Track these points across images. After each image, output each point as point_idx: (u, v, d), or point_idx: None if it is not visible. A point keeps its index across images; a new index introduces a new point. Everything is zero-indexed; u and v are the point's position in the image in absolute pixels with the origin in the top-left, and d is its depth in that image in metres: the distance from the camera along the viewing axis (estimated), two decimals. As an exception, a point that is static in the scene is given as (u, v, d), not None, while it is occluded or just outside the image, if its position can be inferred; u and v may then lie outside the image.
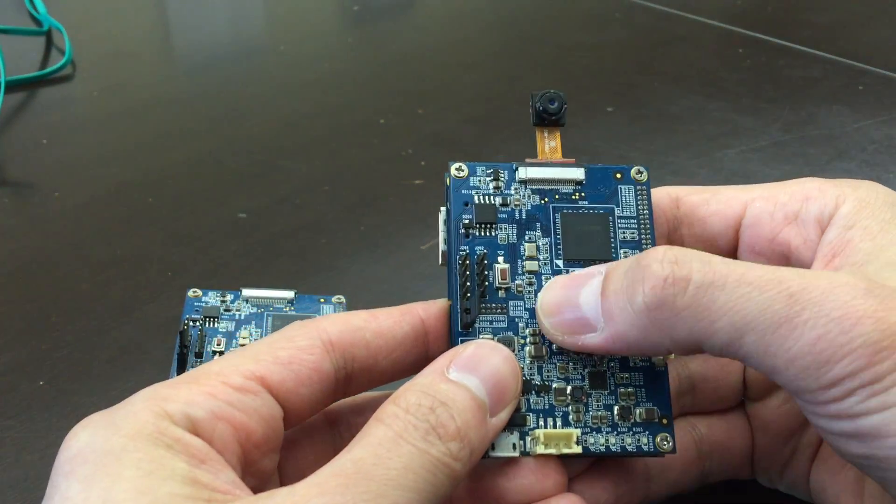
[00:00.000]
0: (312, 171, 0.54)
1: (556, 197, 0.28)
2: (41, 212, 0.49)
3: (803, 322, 0.22)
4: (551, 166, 0.28)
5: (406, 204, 0.50)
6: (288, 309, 0.38)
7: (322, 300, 0.39)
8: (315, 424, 0.27)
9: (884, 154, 0.53)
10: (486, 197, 0.28)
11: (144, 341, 0.39)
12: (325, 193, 0.51)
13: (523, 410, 0.26)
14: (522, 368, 0.26)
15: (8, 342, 0.40)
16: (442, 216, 0.28)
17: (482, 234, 0.27)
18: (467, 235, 0.27)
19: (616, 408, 0.26)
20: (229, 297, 0.38)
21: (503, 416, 0.24)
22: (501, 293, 0.27)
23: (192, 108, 0.64)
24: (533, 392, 0.26)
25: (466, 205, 0.27)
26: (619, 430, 0.26)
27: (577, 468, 0.27)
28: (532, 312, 0.27)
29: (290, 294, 0.39)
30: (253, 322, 0.37)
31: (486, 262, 0.27)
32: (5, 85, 0.60)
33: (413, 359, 0.26)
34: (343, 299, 0.39)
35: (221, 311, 0.38)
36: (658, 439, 0.26)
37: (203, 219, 0.49)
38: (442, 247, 0.27)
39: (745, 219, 0.28)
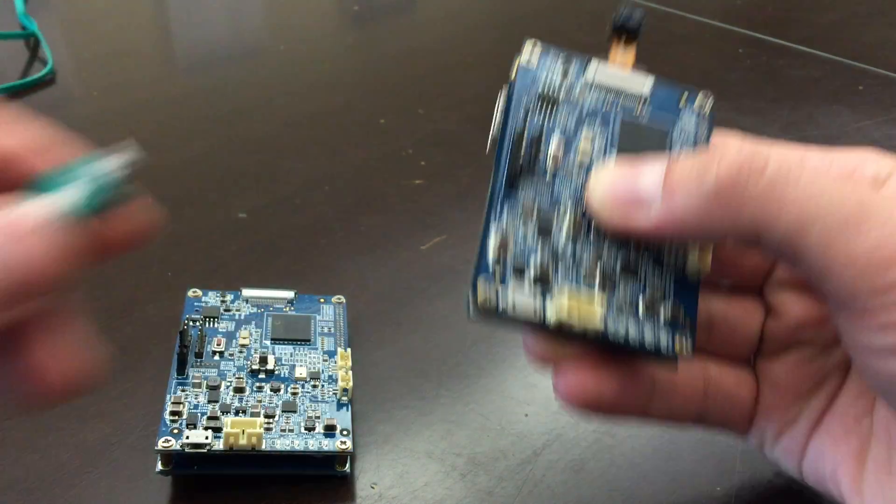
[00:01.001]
0: (312, 171, 0.54)
1: (620, 104, 0.27)
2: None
3: (869, 227, 0.22)
4: (620, 72, 0.27)
5: (406, 204, 0.50)
6: (288, 309, 0.38)
7: (322, 300, 0.39)
8: None
9: (884, 154, 0.53)
10: (552, 84, 0.27)
11: (144, 341, 0.39)
12: (325, 193, 0.51)
13: (551, 281, 0.25)
14: (560, 245, 0.25)
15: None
16: (501, 97, 0.27)
17: (543, 114, 0.27)
18: (525, 116, 0.26)
19: (643, 300, 0.25)
20: (229, 297, 0.38)
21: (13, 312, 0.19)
22: (551, 169, 0.26)
23: (192, 107, 0.64)
24: (564, 266, 0.25)
25: (531, 85, 0.27)
26: (640, 322, 0.25)
27: (581, 351, 0.26)
28: (578, 195, 0.26)
29: (290, 294, 0.39)
30: (253, 322, 0.37)
31: (540, 139, 0.26)
32: (14, 88, 0.60)
33: None
34: (343, 299, 0.39)
35: (221, 310, 0.38)
36: (678, 343, 0.25)
37: (203, 219, 0.49)
38: (493, 132, 0.26)
39: None
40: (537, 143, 0.26)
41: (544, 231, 0.25)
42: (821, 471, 0.28)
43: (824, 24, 0.76)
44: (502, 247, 0.25)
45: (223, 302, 0.38)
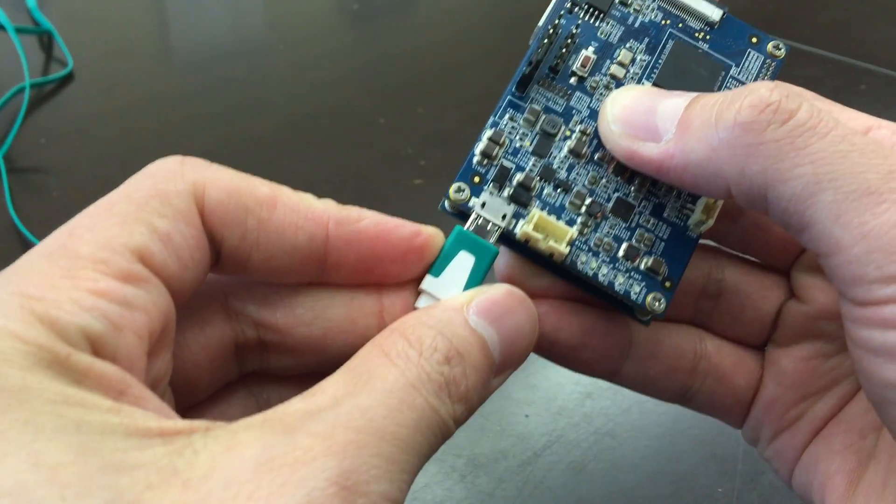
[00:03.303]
0: (312, 171, 0.54)
1: (680, 26, 0.25)
2: (40, 212, 0.49)
3: (894, 200, 0.19)
4: None
5: (406, 204, 0.50)
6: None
7: None
8: (206, 310, 0.22)
9: (886, 153, 0.53)
10: None
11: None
12: (325, 193, 0.51)
13: (533, 194, 0.24)
14: (555, 160, 0.24)
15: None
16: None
17: (586, 18, 0.25)
18: (571, 12, 0.25)
19: (625, 244, 0.24)
20: None
21: (504, 377, 0.22)
22: (574, 80, 0.25)
23: (192, 107, 0.63)
24: (551, 184, 0.24)
25: None
26: (616, 265, 0.24)
27: (552, 292, 0.24)
28: (594, 114, 0.24)
29: None
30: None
31: (574, 41, 0.25)
32: (29, 87, 0.60)
33: (299, 272, 0.22)
34: None
35: None
36: (651, 297, 0.23)
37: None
38: (540, 24, 0.25)
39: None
40: (568, 45, 0.24)
41: (543, 144, 0.24)
42: (809, 480, 0.25)
43: (825, 23, 0.76)
44: (487, 153, 0.24)
45: None
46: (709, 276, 0.26)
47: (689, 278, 0.25)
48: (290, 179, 0.58)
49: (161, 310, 0.19)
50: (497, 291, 0.21)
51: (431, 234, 0.22)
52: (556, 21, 0.24)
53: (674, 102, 0.22)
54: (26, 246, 0.47)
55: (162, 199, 0.20)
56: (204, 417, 0.22)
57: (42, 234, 0.47)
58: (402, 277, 0.23)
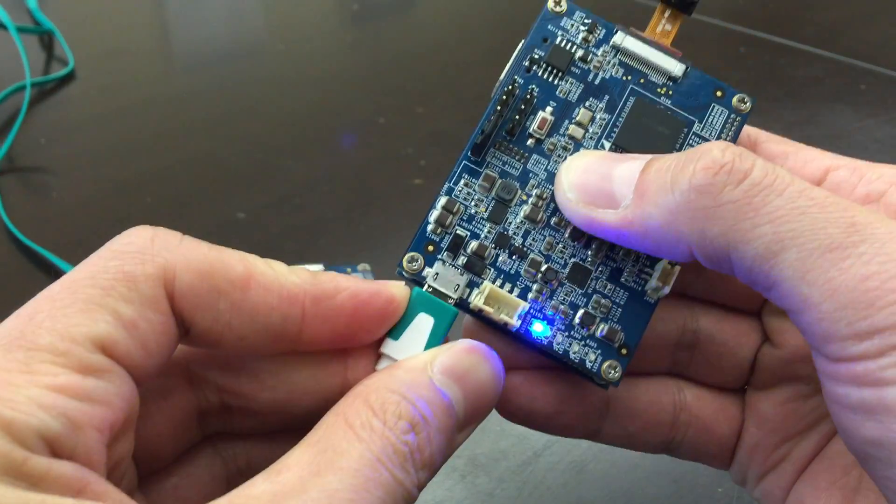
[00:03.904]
0: (312, 171, 0.54)
1: (642, 81, 0.25)
2: (39, 211, 0.49)
3: (859, 254, 0.18)
4: (653, 46, 0.25)
5: (406, 204, 0.50)
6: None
7: (349, 270, 0.39)
8: (168, 380, 0.22)
9: (886, 153, 0.53)
10: (570, 44, 0.25)
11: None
12: (325, 193, 0.51)
13: (488, 262, 0.24)
14: (510, 226, 0.24)
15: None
16: (518, 49, 0.25)
17: (545, 76, 0.25)
18: (528, 71, 0.25)
19: (581, 311, 0.24)
20: None
21: (468, 432, 0.22)
22: (531, 142, 0.24)
23: (191, 107, 0.63)
24: (507, 251, 0.24)
25: (545, 41, 0.25)
26: (572, 333, 0.23)
27: (526, 363, 0.24)
28: (551, 177, 0.24)
29: (319, 268, 0.39)
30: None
31: (532, 102, 0.24)
32: (30, 85, 0.60)
33: (270, 348, 0.21)
34: (368, 266, 0.39)
35: None
36: (606, 364, 0.23)
37: (202, 219, 0.49)
38: (501, 78, 0.25)
39: (823, 184, 0.24)
40: (523, 109, 0.24)
41: (499, 210, 0.24)
42: None
43: (826, 23, 0.76)
44: (441, 222, 0.24)
45: None
46: (683, 328, 0.26)
47: (664, 331, 0.26)
48: (289, 179, 0.58)
49: (124, 399, 0.18)
50: (459, 348, 0.21)
51: (402, 297, 0.22)
52: (513, 84, 0.24)
53: (629, 167, 0.22)
54: (19, 248, 0.47)
55: (129, 283, 0.19)
56: (169, 480, 0.22)
57: (42, 234, 0.47)
58: (370, 341, 0.22)
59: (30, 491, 0.16)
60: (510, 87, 0.24)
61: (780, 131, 0.62)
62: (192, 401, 0.22)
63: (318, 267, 0.39)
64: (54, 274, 0.44)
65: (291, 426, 0.22)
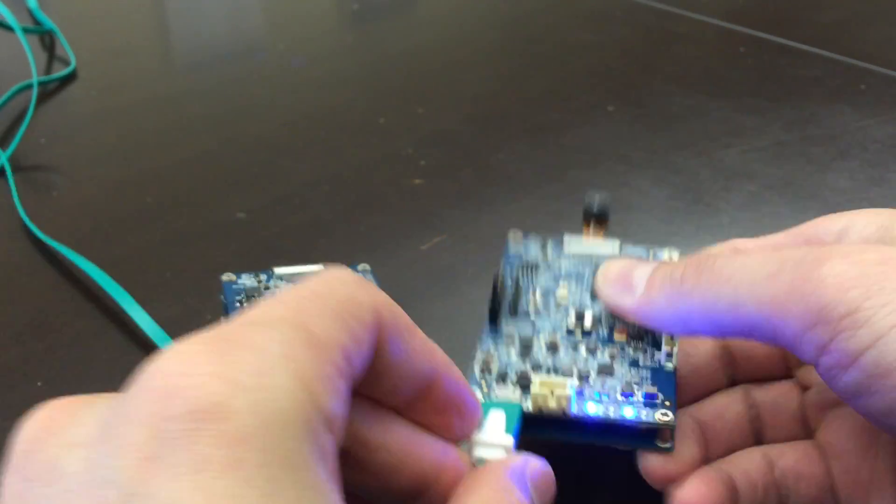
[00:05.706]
0: (312, 171, 0.54)
1: (592, 264, 0.33)
2: (39, 211, 0.49)
3: (787, 274, 0.24)
4: (591, 242, 0.34)
5: (406, 204, 0.50)
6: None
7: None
8: None
9: (886, 154, 0.53)
10: (534, 257, 0.34)
11: (143, 342, 0.39)
12: (325, 193, 0.51)
13: (531, 372, 0.29)
14: (537, 358, 0.30)
15: (5, 342, 0.39)
16: (499, 269, 0.33)
17: (524, 279, 0.33)
18: (512, 277, 0.33)
19: (619, 385, 0.29)
20: (263, 277, 0.38)
21: None
22: (531, 311, 0.32)
23: (191, 107, 0.63)
24: (542, 370, 0.29)
25: (518, 259, 0.33)
26: (618, 402, 0.28)
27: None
28: (557, 324, 0.31)
29: (319, 268, 0.39)
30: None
31: (520, 291, 0.32)
32: (37, 84, 0.60)
33: (405, 398, 0.22)
34: (368, 267, 0.39)
35: (262, 289, 0.38)
36: (658, 413, 0.27)
37: (202, 219, 0.49)
38: (489, 305, 0.31)
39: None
40: (515, 297, 0.32)
41: (524, 350, 0.30)
42: None
43: (826, 22, 0.76)
44: (485, 367, 0.30)
45: (259, 282, 0.38)
46: (745, 414, 0.30)
47: (732, 416, 0.30)
48: (289, 179, 0.58)
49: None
50: (542, 463, 0.23)
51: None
52: (501, 281, 0.32)
53: (644, 268, 0.29)
54: (36, 245, 0.47)
55: (356, 305, 0.20)
56: None
57: (41, 233, 0.47)
58: (461, 436, 0.24)
59: (322, 472, 0.17)
60: (502, 286, 0.32)
61: (779, 131, 0.62)
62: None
63: (319, 267, 0.39)
64: (53, 273, 0.44)
65: (372, 494, 0.22)
